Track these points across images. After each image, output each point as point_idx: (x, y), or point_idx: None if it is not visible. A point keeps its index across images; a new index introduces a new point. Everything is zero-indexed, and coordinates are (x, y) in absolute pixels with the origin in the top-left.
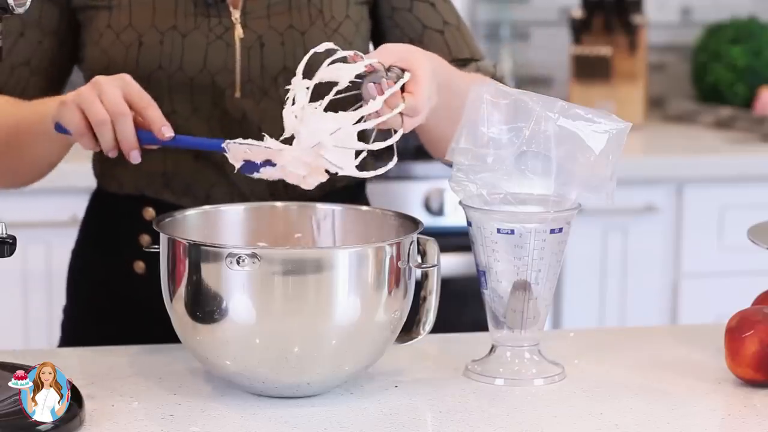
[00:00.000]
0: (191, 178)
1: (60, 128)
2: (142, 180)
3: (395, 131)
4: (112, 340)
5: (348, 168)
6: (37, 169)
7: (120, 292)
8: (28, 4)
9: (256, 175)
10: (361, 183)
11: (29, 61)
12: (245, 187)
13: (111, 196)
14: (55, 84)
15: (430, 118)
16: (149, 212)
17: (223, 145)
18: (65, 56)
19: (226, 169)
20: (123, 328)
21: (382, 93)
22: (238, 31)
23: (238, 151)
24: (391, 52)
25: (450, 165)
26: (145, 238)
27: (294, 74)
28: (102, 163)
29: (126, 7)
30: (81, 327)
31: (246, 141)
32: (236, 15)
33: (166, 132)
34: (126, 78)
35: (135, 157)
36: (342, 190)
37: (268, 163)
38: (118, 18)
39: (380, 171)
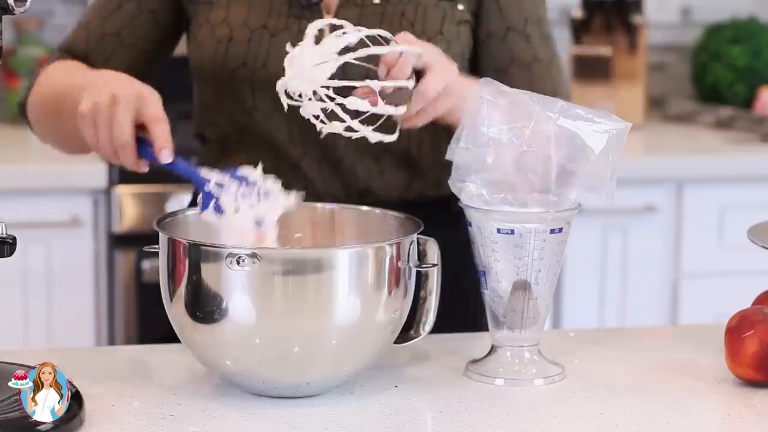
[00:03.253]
0: None
1: None
2: None
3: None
4: None
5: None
6: (78, 144)
7: None
8: (29, 4)
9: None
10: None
11: (120, 33)
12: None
13: None
14: (140, 61)
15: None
16: None
17: (207, 189)
18: (159, 37)
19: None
20: None
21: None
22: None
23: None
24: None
25: None
26: None
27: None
28: None
29: (224, 3)
30: None
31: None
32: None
33: (164, 157)
34: (144, 95)
35: (142, 170)
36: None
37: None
38: (216, 13)
39: (386, 138)
